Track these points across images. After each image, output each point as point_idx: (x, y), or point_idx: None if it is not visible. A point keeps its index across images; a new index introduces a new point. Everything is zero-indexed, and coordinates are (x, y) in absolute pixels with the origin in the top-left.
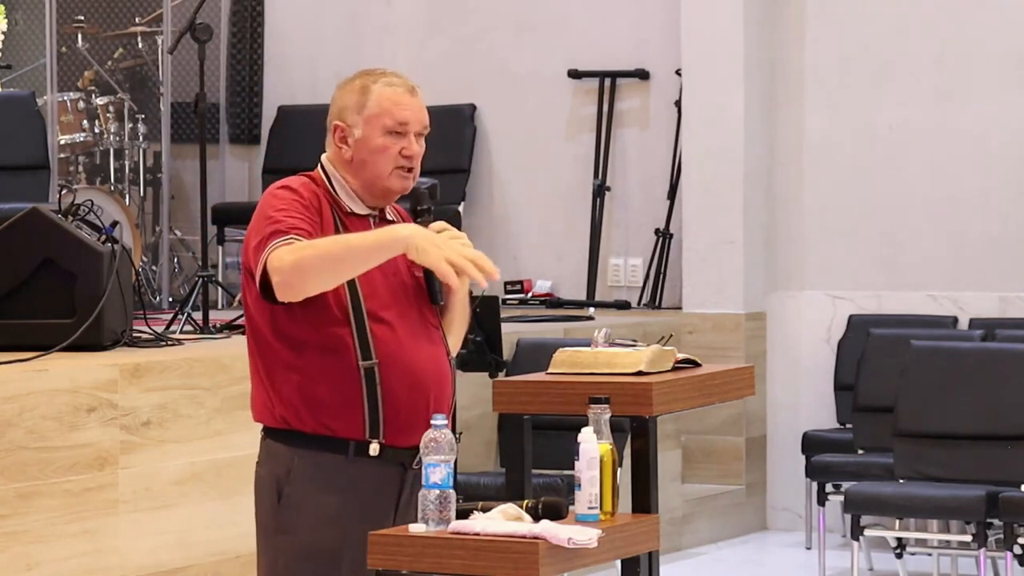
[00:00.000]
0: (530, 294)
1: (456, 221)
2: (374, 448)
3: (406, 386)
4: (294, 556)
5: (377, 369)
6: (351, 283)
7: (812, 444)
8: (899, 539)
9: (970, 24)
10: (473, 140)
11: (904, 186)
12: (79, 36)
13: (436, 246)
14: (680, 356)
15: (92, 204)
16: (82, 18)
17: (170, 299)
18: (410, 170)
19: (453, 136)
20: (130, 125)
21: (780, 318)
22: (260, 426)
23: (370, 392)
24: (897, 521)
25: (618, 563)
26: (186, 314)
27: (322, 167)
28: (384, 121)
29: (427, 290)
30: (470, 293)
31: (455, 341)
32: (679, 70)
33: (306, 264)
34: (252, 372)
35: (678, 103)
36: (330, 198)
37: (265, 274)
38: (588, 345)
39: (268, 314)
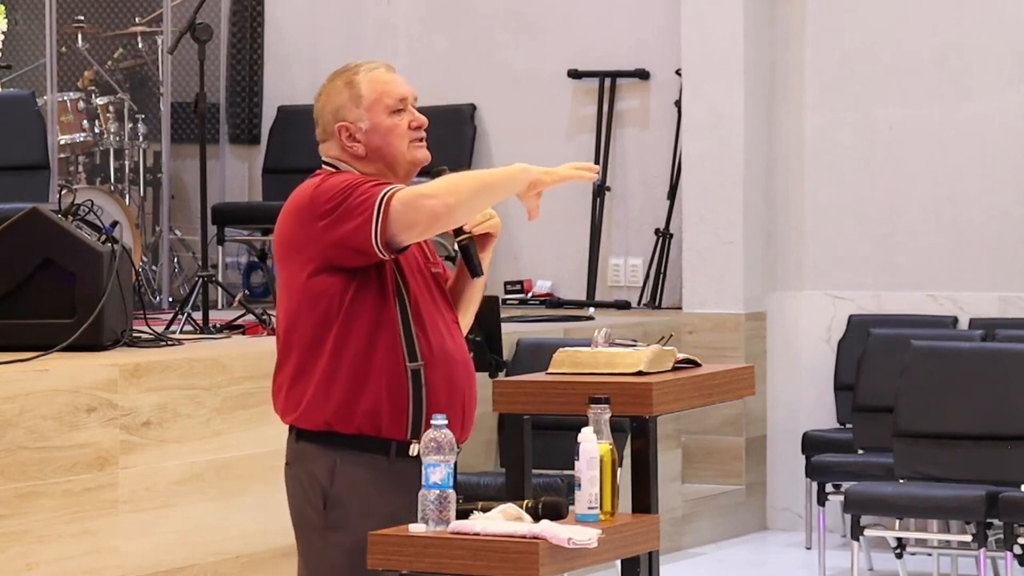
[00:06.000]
0: (530, 294)
1: None
2: (414, 449)
3: (446, 386)
4: (345, 553)
5: (423, 371)
6: (398, 285)
7: (812, 444)
8: (899, 539)
9: (970, 23)
10: (473, 140)
11: (904, 186)
12: (79, 36)
13: (547, 170)
14: (680, 356)
15: (92, 204)
16: (82, 18)
17: (170, 299)
18: (422, 139)
19: (453, 136)
20: (130, 125)
21: (780, 318)
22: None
23: (415, 393)
24: (897, 521)
25: (618, 563)
26: (186, 314)
27: (332, 167)
28: (386, 102)
29: (466, 265)
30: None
31: (468, 319)
32: (679, 70)
33: (462, 185)
34: (287, 375)
35: (678, 103)
36: None
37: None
38: (588, 345)
39: (319, 315)
